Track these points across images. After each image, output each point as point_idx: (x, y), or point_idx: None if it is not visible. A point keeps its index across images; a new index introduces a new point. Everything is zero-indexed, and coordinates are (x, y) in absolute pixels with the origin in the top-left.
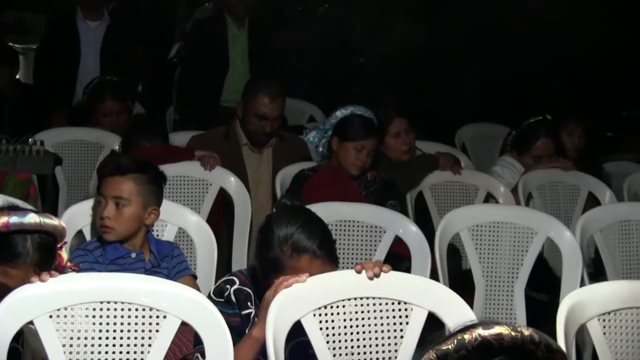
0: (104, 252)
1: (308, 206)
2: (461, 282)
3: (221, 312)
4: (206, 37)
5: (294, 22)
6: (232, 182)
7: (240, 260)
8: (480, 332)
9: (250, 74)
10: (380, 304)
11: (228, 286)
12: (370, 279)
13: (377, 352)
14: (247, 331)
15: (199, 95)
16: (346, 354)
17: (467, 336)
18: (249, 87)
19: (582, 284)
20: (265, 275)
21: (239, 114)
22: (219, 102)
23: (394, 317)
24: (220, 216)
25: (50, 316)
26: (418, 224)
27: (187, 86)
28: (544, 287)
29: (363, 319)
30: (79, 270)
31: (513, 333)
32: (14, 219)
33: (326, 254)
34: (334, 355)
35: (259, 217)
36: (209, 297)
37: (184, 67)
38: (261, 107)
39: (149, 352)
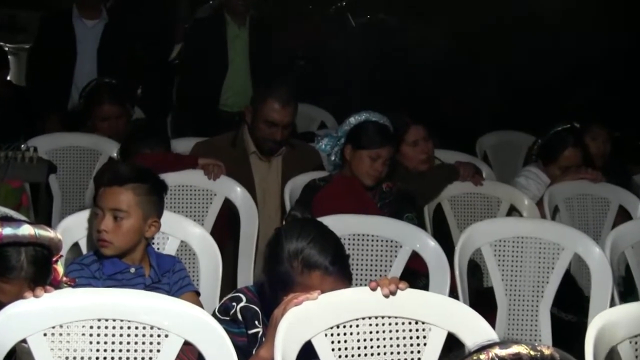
0: (101, 266)
1: (319, 219)
2: (482, 301)
3: (226, 331)
4: (204, 37)
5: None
6: (238, 192)
7: (246, 275)
8: (497, 351)
9: (251, 76)
10: (397, 324)
11: (234, 303)
12: (386, 296)
13: None
14: (254, 352)
15: (196, 98)
16: None
17: (483, 356)
18: (259, 90)
19: (612, 304)
20: (273, 292)
21: (247, 120)
22: (217, 106)
23: (410, 337)
24: (225, 228)
25: (45, 334)
26: (436, 239)
27: (184, 89)
28: (571, 307)
29: (378, 339)
30: (75, 285)
31: (532, 352)
32: (8, 231)
33: (339, 270)
34: None
35: (267, 230)
36: (213, 315)
37: (181, 69)
38: (271, 113)
39: None
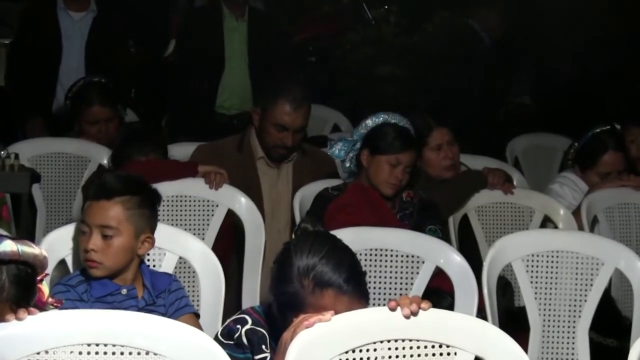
0: (89, 287)
1: (333, 232)
2: (514, 322)
3: (230, 356)
4: (198, 30)
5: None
6: (242, 203)
7: (252, 295)
8: None
9: (250, 75)
10: (418, 347)
11: (239, 326)
12: (407, 317)
13: None
14: None
15: (189, 99)
16: None
17: None
18: (268, 90)
19: None
20: (282, 313)
21: (255, 122)
22: (213, 108)
23: None
24: (229, 243)
25: None
26: (462, 253)
27: (177, 89)
28: (610, 331)
29: None
30: (62, 307)
31: None
32: None
33: (354, 288)
34: None
35: (276, 245)
36: (216, 339)
37: (173, 67)
38: (282, 116)
39: None
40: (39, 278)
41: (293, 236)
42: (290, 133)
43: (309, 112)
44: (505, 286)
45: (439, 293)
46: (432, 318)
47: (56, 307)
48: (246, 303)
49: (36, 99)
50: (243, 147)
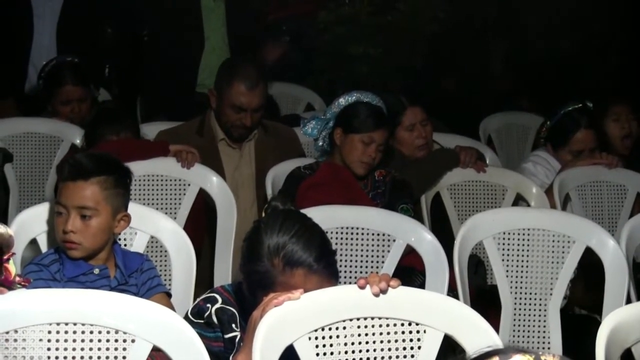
0: (62, 267)
1: (304, 210)
2: (486, 300)
3: (200, 335)
4: (174, 10)
5: None
6: (214, 182)
7: (224, 274)
8: None
9: (231, 54)
10: (388, 325)
11: (209, 305)
12: (376, 295)
13: None
14: (231, 358)
15: (168, 79)
16: None
17: None
18: (222, 72)
19: (629, 301)
20: (252, 292)
21: (213, 105)
22: (193, 87)
23: (403, 340)
24: (201, 223)
25: None
26: (434, 232)
27: (154, 69)
28: None
29: (367, 342)
30: (31, 286)
31: None
32: None
33: (324, 267)
34: None
35: (242, 225)
36: (185, 317)
37: (149, 46)
38: (238, 97)
39: None
40: (5, 257)
41: (263, 214)
42: (249, 113)
43: (265, 90)
44: (478, 264)
45: (412, 271)
46: (402, 296)
47: (24, 287)
48: (218, 282)
49: (7, 79)
50: (203, 130)
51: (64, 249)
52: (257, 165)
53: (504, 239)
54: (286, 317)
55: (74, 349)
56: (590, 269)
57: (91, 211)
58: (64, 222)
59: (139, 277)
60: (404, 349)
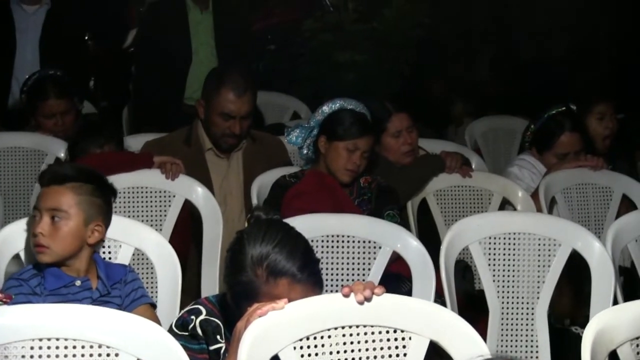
0: (42, 280)
1: (289, 219)
2: (474, 305)
3: (185, 347)
4: (162, 24)
5: None
6: (199, 193)
7: (211, 285)
8: None
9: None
10: (373, 333)
11: (193, 317)
12: (360, 303)
13: None
14: None
15: (157, 92)
16: None
17: None
18: (210, 80)
19: (616, 303)
20: (237, 302)
21: (201, 114)
22: (181, 100)
23: (389, 347)
24: (187, 234)
25: None
26: (421, 238)
27: (142, 82)
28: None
29: (352, 350)
30: (12, 302)
31: None
32: None
33: (308, 276)
34: None
35: (230, 235)
36: (170, 330)
37: (137, 60)
38: (227, 104)
39: None
40: None
41: (246, 224)
42: (237, 121)
43: (253, 97)
44: (465, 270)
45: (399, 278)
46: (387, 303)
47: (5, 303)
48: (206, 292)
49: None
50: (191, 140)
51: (35, 254)
52: (245, 175)
53: (489, 243)
54: (271, 327)
55: None
56: (576, 277)
57: (62, 214)
58: (35, 225)
59: (123, 288)
60: (390, 356)
